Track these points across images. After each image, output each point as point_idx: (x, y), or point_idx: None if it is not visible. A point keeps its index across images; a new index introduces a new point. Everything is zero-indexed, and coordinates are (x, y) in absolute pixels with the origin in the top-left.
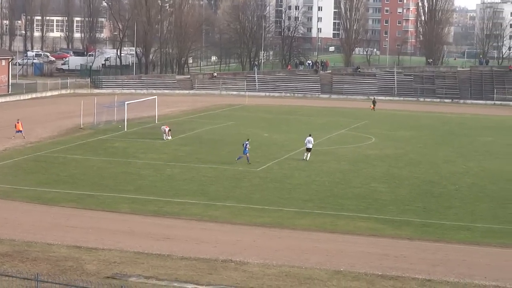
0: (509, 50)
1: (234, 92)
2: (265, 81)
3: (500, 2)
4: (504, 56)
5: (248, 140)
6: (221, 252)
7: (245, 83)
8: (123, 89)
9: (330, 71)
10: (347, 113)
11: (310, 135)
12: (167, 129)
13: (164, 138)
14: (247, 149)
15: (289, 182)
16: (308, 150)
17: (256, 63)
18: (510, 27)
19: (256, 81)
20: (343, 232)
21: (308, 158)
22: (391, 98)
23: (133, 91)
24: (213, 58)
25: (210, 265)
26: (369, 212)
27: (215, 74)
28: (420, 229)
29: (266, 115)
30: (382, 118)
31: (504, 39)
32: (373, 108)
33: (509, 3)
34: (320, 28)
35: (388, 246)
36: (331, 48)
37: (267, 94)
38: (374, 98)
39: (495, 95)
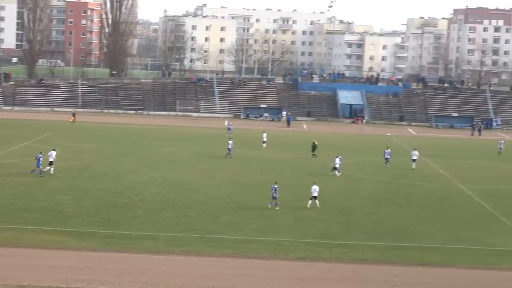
0: (191, 62)
1: None
2: None
3: (182, 16)
4: (186, 68)
5: (41, 153)
6: None
7: None
8: None
9: (13, 82)
10: (31, 125)
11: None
12: None
13: None
14: (40, 162)
15: None
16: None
17: None
18: (192, 40)
19: None
20: (26, 246)
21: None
22: (76, 109)
23: None
24: None
25: None
26: (54, 225)
27: None
28: (105, 240)
29: None
30: (66, 130)
31: (186, 51)
32: (73, 120)
33: (191, 16)
34: (3, 39)
35: (73, 259)
36: (14, 59)
37: None
38: (74, 111)
39: (177, 106)
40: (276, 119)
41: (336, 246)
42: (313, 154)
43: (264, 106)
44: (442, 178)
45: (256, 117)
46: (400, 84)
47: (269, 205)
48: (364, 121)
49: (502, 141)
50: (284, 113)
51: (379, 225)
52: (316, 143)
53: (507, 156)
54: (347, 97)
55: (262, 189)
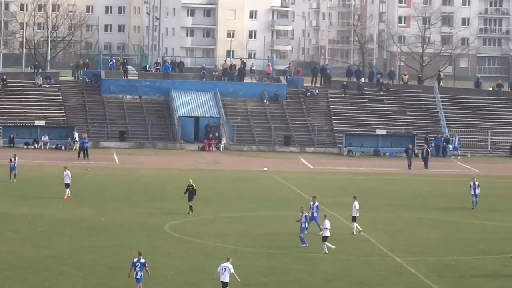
0: None
1: None
2: None
3: None
4: None
5: None
6: None
7: None
8: None
9: None
10: None
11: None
12: None
13: None
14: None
15: None
16: None
17: None
18: None
19: None
20: None
21: None
22: None
23: None
24: None
25: None
26: None
27: None
28: None
29: None
30: None
31: None
32: None
33: None
34: None
35: None
36: None
37: None
38: None
39: None
40: (64, 146)
41: None
42: (190, 206)
43: (42, 123)
44: (365, 245)
45: (27, 145)
46: (283, 79)
47: None
48: (222, 146)
49: (477, 182)
50: (76, 134)
51: None
52: (193, 185)
53: (481, 205)
54: (190, 104)
55: (41, 274)
